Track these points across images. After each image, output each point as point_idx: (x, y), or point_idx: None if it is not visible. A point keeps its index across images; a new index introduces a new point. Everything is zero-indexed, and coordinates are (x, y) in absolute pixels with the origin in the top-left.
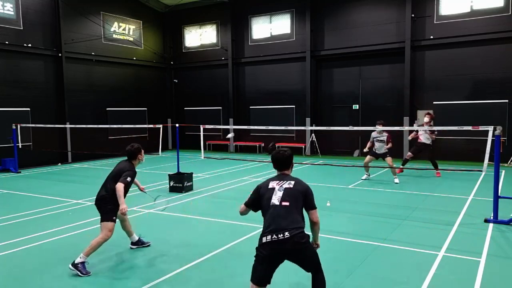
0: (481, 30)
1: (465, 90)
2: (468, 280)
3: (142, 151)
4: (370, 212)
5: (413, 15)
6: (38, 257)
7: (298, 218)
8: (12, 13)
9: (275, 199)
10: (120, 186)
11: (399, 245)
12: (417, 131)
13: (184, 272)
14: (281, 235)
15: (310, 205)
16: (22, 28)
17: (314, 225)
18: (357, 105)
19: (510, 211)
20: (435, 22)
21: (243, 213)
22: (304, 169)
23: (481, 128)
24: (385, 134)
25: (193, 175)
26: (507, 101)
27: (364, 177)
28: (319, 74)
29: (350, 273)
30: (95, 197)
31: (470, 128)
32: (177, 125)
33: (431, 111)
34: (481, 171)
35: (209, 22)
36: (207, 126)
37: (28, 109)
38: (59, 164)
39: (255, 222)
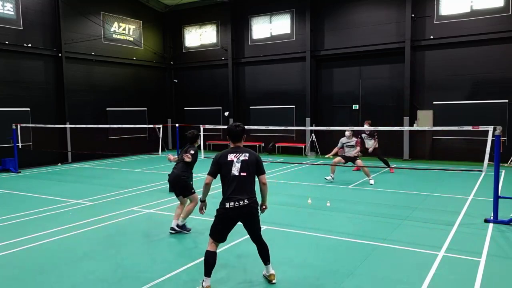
0: (481, 30)
1: (465, 90)
2: (468, 280)
3: (200, 136)
4: (370, 212)
5: (413, 15)
6: (38, 257)
7: (252, 187)
8: (12, 13)
9: (235, 170)
10: (186, 158)
11: (399, 245)
12: (361, 137)
13: (184, 272)
14: (242, 202)
15: (261, 171)
16: (22, 28)
17: (263, 185)
18: (357, 105)
19: (510, 211)
20: (435, 22)
21: (208, 184)
22: (304, 169)
23: (481, 128)
24: (354, 139)
25: (193, 175)
26: (507, 101)
27: (328, 178)
28: (319, 74)
29: (350, 273)
30: (169, 178)
31: (470, 128)
32: (177, 125)
33: (369, 121)
34: (481, 171)
35: (209, 22)
36: (207, 126)
37: (28, 109)
38: (59, 164)
39: None
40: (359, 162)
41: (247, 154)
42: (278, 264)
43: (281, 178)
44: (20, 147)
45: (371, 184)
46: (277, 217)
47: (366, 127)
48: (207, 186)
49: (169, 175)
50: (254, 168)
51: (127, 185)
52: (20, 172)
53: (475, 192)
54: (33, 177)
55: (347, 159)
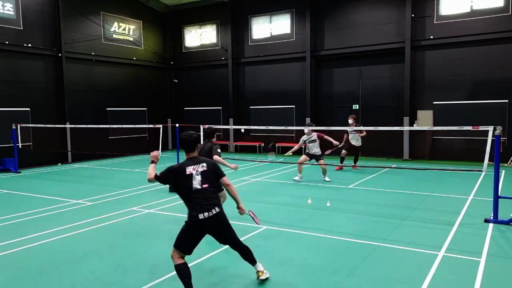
0: (481, 30)
1: (465, 90)
2: (468, 280)
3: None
4: (370, 212)
5: (413, 15)
6: (38, 257)
7: (216, 196)
8: (12, 13)
9: (196, 184)
10: (217, 158)
11: (399, 245)
12: (346, 132)
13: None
14: (214, 210)
15: (220, 175)
16: (22, 28)
17: (228, 186)
18: (357, 105)
19: (510, 211)
20: (435, 22)
21: (150, 180)
22: (304, 169)
23: (481, 128)
24: (314, 134)
25: None
26: (507, 101)
27: (296, 178)
28: (319, 74)
29: (350, 273)
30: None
31: (470, 128)
32: (177, 125)
33: (353, 115)
34: (481, 171)
35: (209, 22)
36: (207, 126)
37: (28, 109)
38: (59, 164)
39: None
40: (321, 161)
41: (205, 164)
42: (278, 264)
43: (281, 178)
44: (20, 147)
45: (327, 181)
46: (277, 217)
47: (350, 121)
48: (149, 180)
49: None
50: (213, 175)
51: (127, 185)
52: (20, 172)
53: (475, 192)
54: (33, 177)
55: (311, 156)
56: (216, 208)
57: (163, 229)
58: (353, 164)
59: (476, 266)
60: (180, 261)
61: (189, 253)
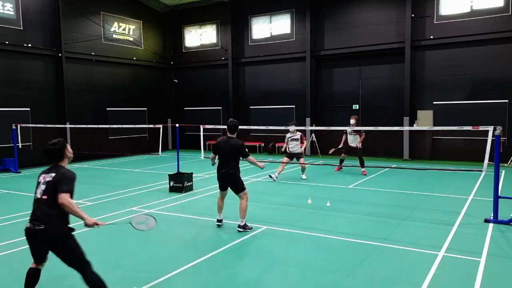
0: (481, 30)
1: (465, 90)
2: (468, 280)
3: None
4: (370, 212)
5: (413, 15)
6: None
7: (53, 211)
8: (12, 13)
9: (38, 193)
10: (251, 159)
11: (399, 245)
12: (345, 132)
13: (184, 273)
14: (38, 226)
15: (61, 189)
16: (22, 28)
17: (65, 206)
18: (357, 105)
19: (510, 211)
20: (435, 22)
21: None
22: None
23: (481, 128)
24: (299, 133)
25: (193, 175)
26: (507, 101)
27: (273, 176)
28: (319, 74)
29: (350, 273)
30: (223, 175)
31: (470, 128)
32: (177, 125)
33: (356, 116)
34: (481, 171)
35: (209, 22)
36: (207, 126)
37: (28, 109)
38: None
39: (256, 222)
40: (302, 160)
41: (53, 174)
42: (278, 264)
43: (281, 178)
44: (20, 147)
45: (303, 178)
46: (277, 217)
47: (352, 122)
48: None
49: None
50: (54, 189)
51: (127, 185)
52: (20, 172)
53: (475, 192)
54: (33, 177)
55: (291, 156)
56: (42, 225)
57: (163, 229)
58: (362, 169)
59: (476, 266)
60: (32, 265)
61: (38, 260)
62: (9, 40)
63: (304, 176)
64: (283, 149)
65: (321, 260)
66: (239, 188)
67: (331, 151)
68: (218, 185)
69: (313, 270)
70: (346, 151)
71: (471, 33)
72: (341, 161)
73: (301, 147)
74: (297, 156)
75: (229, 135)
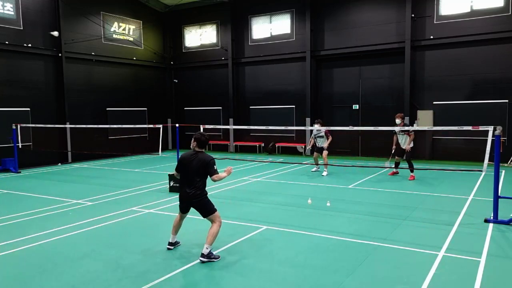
0: (481, 30)
1: (465, 90)
2: (468, 280)
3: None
4: (370, 212)
5: (413, 15)
6: (38, 257)
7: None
8: (12, 13)
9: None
10: (217, 178)
11: (399, 245)
12: (394, 133)
13: (184, 272)
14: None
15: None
16: (22, 28)
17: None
18: (357, 105)
19: (510, 211)
20: (435, 22)
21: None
22: (304, 169)
23: (481, 128)
24: (323, 129)
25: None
26: (507, 101)
27: (313, 169)
28: (319, 74)
29: (350, 273)
30: (187, 195)
31: (470, 128)
32: (177, 125)
33: (401, 113)
34: (481, 171)
35: (209, 22)
36: (207, 126)
37: (28, 109)
38: (59, 164)
39: (256, 222)
40: (325, 152)
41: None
42: (278, 264)
43: (281, 178)
44: (20, 147)
45: (324, 175)
46: (277, 217)
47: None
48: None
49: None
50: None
51: (127, 185)
52: (20, 172)
53: (475, 192)
54: (33, 177)
55: (319, 150)
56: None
57: (163, 229)
58: (411, 173)
59: (476, 266)
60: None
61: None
62: (9, 40)
63: (325, 173)
64: (309, 146)
65: (321, 260)
66: (208, 210)
67: (305, 149)
68: (179, 205)
69: (313, 270)
70: (399, 153)
71: (471, 33)
72: (397, 164)
73: (327, 141)
74: (320, 150)
75: (196, 149)
